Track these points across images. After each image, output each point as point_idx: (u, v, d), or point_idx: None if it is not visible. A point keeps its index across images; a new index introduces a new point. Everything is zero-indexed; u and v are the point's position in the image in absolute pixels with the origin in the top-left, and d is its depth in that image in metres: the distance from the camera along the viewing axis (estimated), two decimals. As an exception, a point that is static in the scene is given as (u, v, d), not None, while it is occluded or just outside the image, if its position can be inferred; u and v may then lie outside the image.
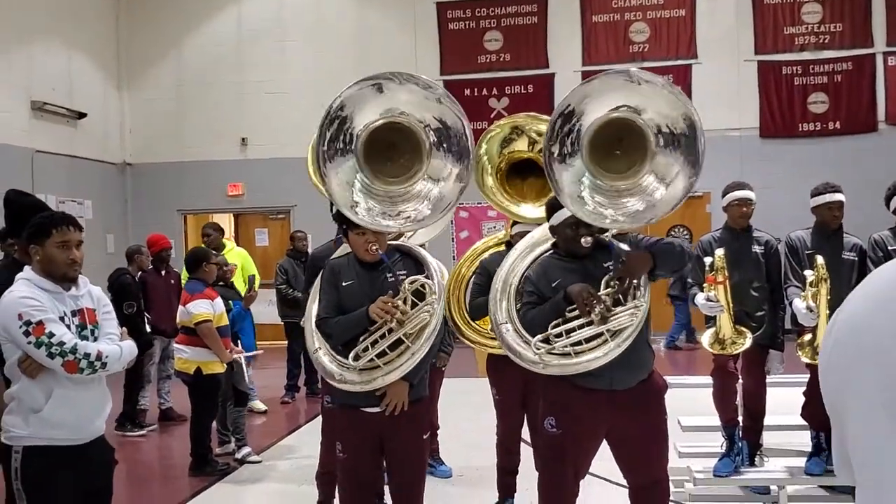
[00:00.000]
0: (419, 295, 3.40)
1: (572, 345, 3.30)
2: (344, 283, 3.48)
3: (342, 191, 3.36)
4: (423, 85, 3.35)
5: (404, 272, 3.45)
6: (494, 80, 12.78)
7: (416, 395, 3.47)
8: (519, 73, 12.73)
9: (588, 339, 3.30)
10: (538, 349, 3.36)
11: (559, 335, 3.33)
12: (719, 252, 4.57)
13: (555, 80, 12.45)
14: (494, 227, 11.97)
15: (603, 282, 3.36)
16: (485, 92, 12.80)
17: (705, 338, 4.69)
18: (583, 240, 3.41)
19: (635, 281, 3.33)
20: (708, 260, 4.63)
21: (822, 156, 11.81)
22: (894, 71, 12.12)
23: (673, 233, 12.61)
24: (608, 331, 3.28)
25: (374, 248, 3.41)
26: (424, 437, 3.55)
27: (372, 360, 3.31)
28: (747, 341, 4.56)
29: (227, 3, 13.35)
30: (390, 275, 3.43)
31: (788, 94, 12.32)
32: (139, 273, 7.61)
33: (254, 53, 13.20)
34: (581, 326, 3.31)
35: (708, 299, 4.52)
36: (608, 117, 3.28)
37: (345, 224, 3.50)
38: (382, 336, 3.32)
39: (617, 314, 3.28)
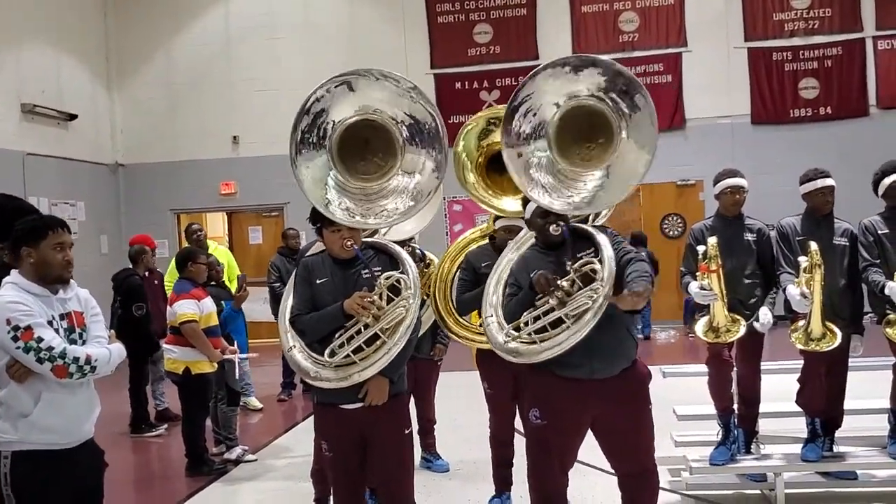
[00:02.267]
0: (395, 291, 3.42)
1: (536, 332, 3.33)
2: (318, 281, 3.49)
3: (315, 188, 3.38)
4: (393, 81, 3.37)
5: (379, 268, 3.47)
6: (485, 72, 12.78)
7: (395, 390, 3.47)
8: (509, 66, 12.70)
9: (553, 325, 3.31)
10: (508, 337, 3.41)
11: (528, 322, 3.36)
12: (712, 240, 4.56)
13: (545, 71, 12.43)
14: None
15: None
16: (475, 85, 12.79)
17: (699, 326, 4.69)
18: (551, 228, 3.45)
19: (595, 267, 3.36)
20: (701, 248, 4.63)
21: (814, 141, 11.82)
22: (884, 55, 12.13)
23: (666, 221, 12.64)
24: (567, 315, 3.29)
25: (349, 244, 3.42)
26: (406, 431, 3.55)
27: (348, 356, 3.32)
28: (741, 329, 4.57)
29: (215, 2, 13.30)
30: (365, 271, 3.44)
31: (779, 80, 12.33)
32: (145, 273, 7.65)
33: (243, 51, 13.17)
34: (546, 313, 3.32)
35: (702, 288, 4.52)
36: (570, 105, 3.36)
37: (319, 222, 3.51)
38: (358, 332, 3.33)
39: (575, 297, 3.30)
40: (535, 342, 3.32)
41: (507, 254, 3.91)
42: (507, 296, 3.54)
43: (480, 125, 4.53)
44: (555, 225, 3.44)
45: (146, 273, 7.72)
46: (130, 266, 7.70)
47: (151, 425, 7.46)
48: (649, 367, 3.66)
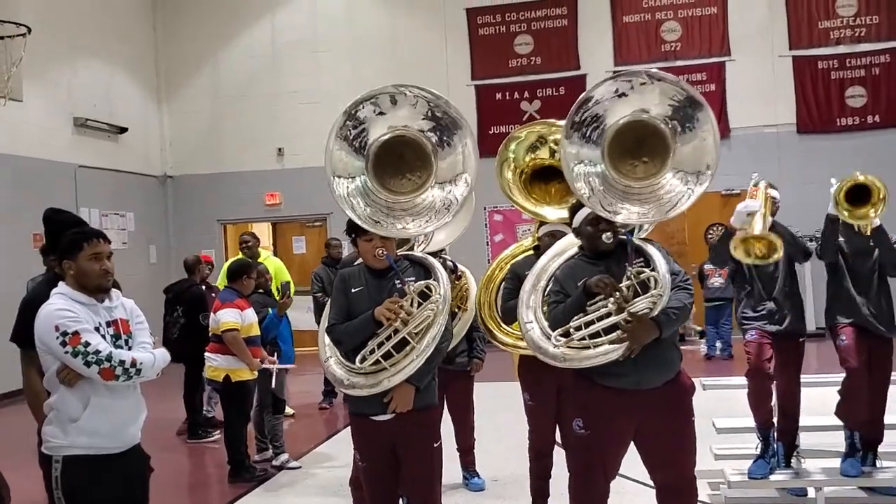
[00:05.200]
0: (425, 298, 3.47)
1: (590, 336, 3.33)
2: (353, 290, 3.56)
3: (343, 169, 3.44)
4: (403, 94, 3.43)
5: (413, 279, 3.52)
6: (526, 83, 12.80)
7: (423, 401, 3.51)
8: (550, 76, 12.73)
9: (607, 331, 3.33)
10: (557, 343, 3.41)
11: (578, 328, 3.37)
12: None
13: (586, 81, 12.38)
14: (528, 230, 11.96)
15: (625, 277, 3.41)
16: (516, 95, 12.82)
17: (734, 241, 4.54)
18: (603, 235, 3.46)
19: (653, 274, 3.37)
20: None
21: (861, 150, 11.59)
22: (935, 62, 11.87)
23: (711, 231, 12.47)
24: (626, 321, 3.30)
25: (381, 252, 3.48)
26: (435, 445, 3.59)
27: (377, 361, 3.37)
28: (776, 254, 4.33)
29: (261, 16, 13.56)
30: (398, 281, 3.49)
31: (825, 88, 12.13)
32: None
33: (288, 65, 13.40)
34: (600, 318, 3.35)
35: (747, 205, 4.45)
36: (625, 121, 3.32)
37: (354, 232, 3.59)
38: (388, 338, 3.39)
39: (635, 302, 3.32)
40: (588, 347, 3.33)
41: (544, 260, 3.92)
42: (551, 303, 3.55)
43: (531, 139, 4.61)
44: (608, 233, 3.46)
45: (201, 283, 7.91)
46: (186, 275, 7.91)
47: (207, 431, 7.59)
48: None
